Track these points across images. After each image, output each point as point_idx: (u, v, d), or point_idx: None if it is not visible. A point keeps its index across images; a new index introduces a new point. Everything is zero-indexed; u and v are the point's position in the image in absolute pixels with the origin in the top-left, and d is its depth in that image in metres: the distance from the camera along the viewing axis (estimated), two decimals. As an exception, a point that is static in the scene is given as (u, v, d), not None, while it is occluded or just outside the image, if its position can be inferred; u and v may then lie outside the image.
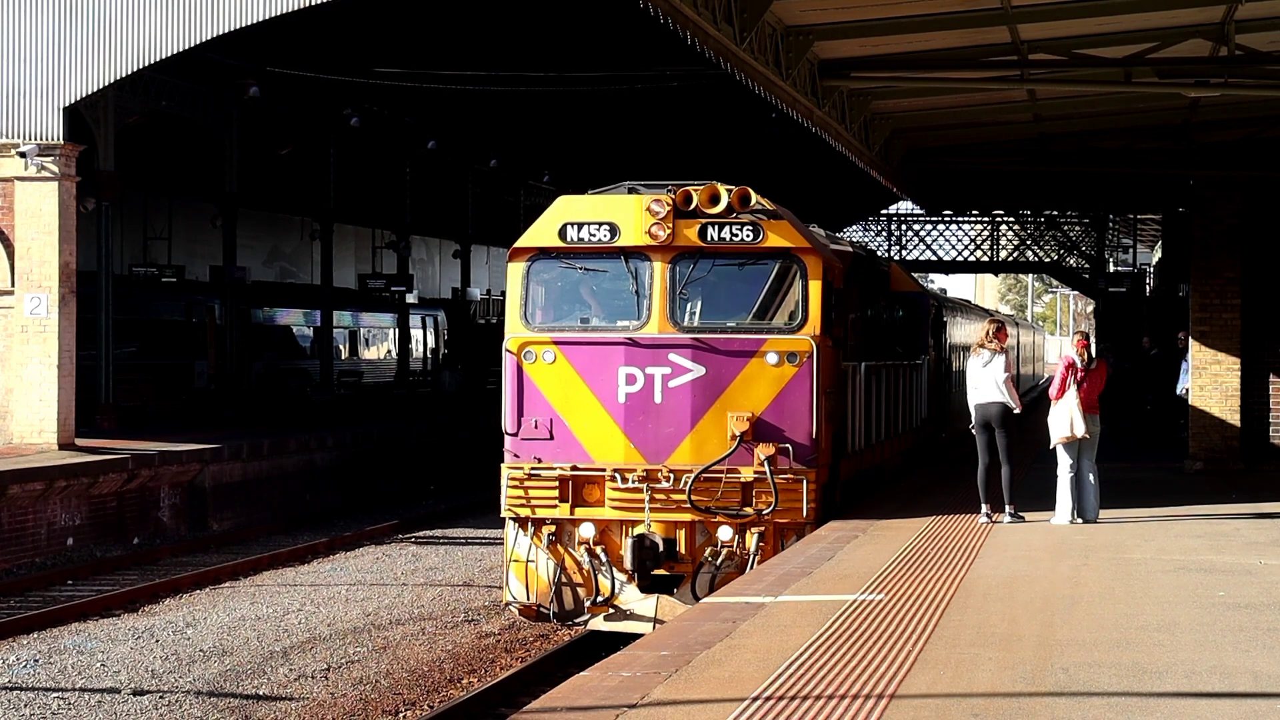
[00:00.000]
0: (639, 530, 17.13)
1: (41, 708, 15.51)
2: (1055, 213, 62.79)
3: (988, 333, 18.51)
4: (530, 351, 17.37)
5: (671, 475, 17.02)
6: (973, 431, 18.83)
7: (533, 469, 17.31)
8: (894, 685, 9.88)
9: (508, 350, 17.45)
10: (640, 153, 46.71)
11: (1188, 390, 27.01)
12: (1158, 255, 57.72)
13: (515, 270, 17.59)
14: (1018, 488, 18.71)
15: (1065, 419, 18.20)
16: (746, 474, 17.00)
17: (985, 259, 68.19)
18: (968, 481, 23.93)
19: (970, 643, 11.25)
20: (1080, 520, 18.42)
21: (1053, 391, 18.49)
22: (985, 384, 18.44)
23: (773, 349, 17.16)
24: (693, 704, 9.48)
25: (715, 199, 17.17)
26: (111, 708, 15.51)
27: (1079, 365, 18.39)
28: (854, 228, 66.33)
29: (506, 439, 17.49)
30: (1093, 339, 19.63)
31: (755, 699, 9.53)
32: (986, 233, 67.31)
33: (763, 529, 17.01)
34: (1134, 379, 35.39)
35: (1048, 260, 67.66)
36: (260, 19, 26.37)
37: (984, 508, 18.62)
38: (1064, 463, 18.37)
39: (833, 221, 55.74)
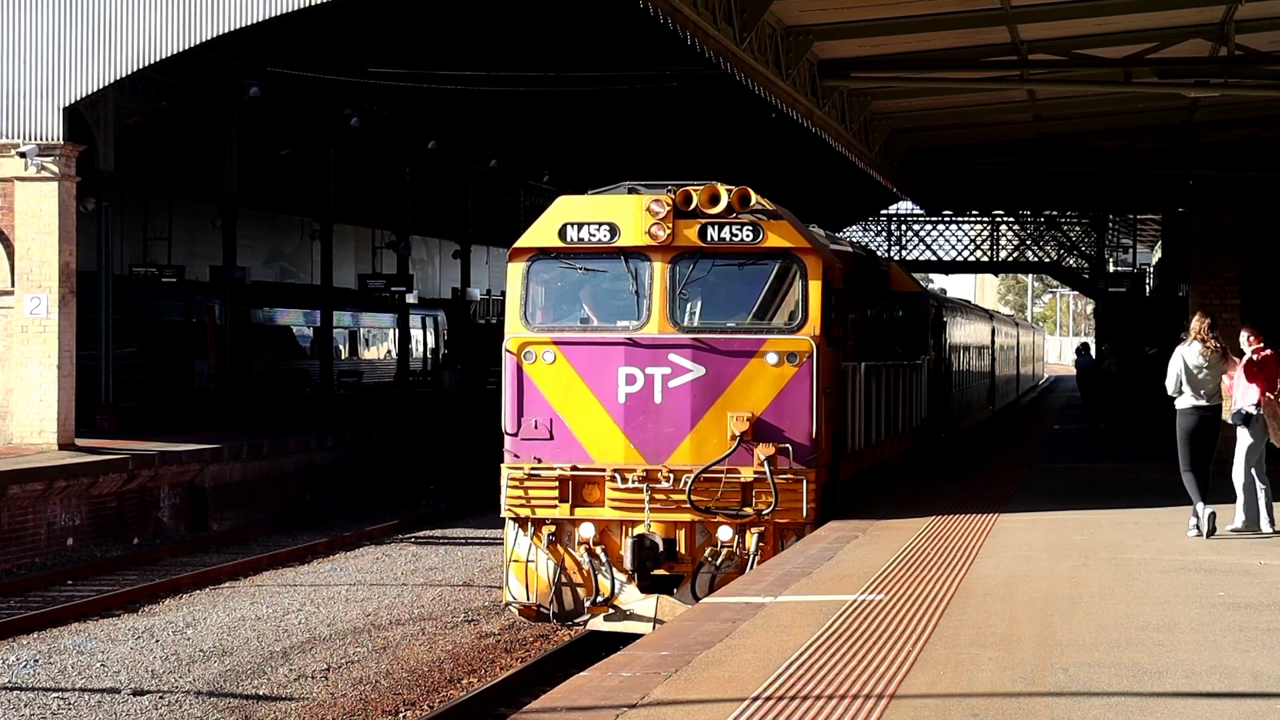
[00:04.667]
0: (639, 530, 17.12)
1: (41, 708, 15.51)
2: (1055, 213, 62.83)
3: (1203, 328, 16.88)
4: (530, 351, 17.36)
5: (671, 475, 17.01)
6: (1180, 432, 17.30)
7: (533, 469, 17.30)
8: (894, 685, 9.88)
9: (508, 350, 17.44)
10: (640, 153, 46.71)
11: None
12: (1158, 255, 57.70)
13: (515, 270, 17.58)
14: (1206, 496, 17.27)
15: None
16: (746, 474, 16.99)
17: (985, 259, 68.23)
18: (968, 481, 23.89)
19: (970, 643, 11.24)
20: (1248, 531, 17.25)
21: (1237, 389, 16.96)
22: (1197, 386, 17.04)
23: (772, 349, 17.15)
24: (693, 704, 9.47)
25: (715, 199, 17.15)
26: (111, 708, 15.52)
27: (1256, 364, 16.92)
28: (854, 228, 66.33)
29: (506, 439, 17.48)
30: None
31: (755, 699, 9.52)
32: (986, 233, 67.34)
33: (763, 529, 17.00)
34: (1132, 380, 35.39)
35: (1047, 260, 67.68)
36: (260, 19, 26.38)
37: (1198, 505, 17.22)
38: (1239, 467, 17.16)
39: (833, 221, 55.75)
